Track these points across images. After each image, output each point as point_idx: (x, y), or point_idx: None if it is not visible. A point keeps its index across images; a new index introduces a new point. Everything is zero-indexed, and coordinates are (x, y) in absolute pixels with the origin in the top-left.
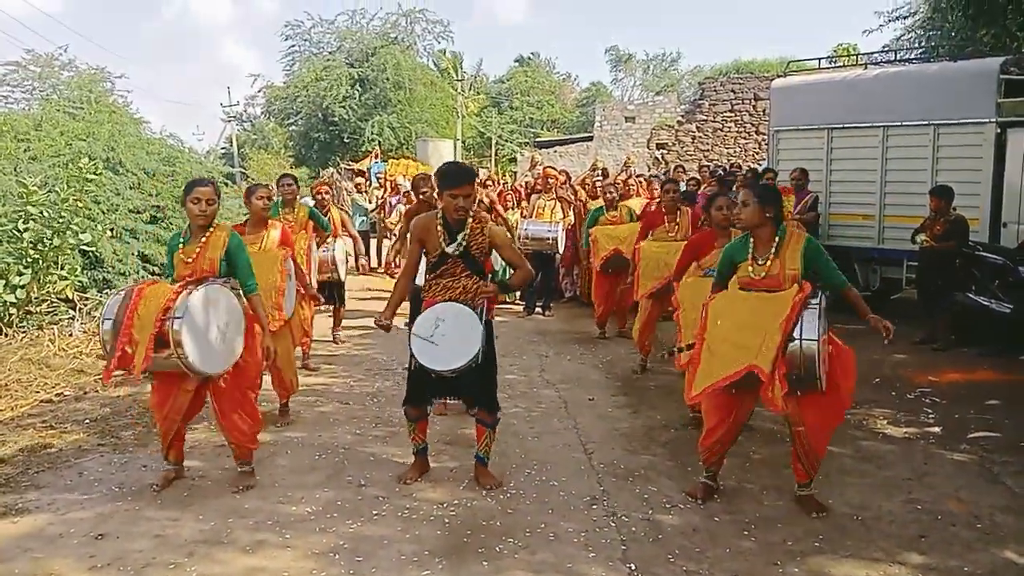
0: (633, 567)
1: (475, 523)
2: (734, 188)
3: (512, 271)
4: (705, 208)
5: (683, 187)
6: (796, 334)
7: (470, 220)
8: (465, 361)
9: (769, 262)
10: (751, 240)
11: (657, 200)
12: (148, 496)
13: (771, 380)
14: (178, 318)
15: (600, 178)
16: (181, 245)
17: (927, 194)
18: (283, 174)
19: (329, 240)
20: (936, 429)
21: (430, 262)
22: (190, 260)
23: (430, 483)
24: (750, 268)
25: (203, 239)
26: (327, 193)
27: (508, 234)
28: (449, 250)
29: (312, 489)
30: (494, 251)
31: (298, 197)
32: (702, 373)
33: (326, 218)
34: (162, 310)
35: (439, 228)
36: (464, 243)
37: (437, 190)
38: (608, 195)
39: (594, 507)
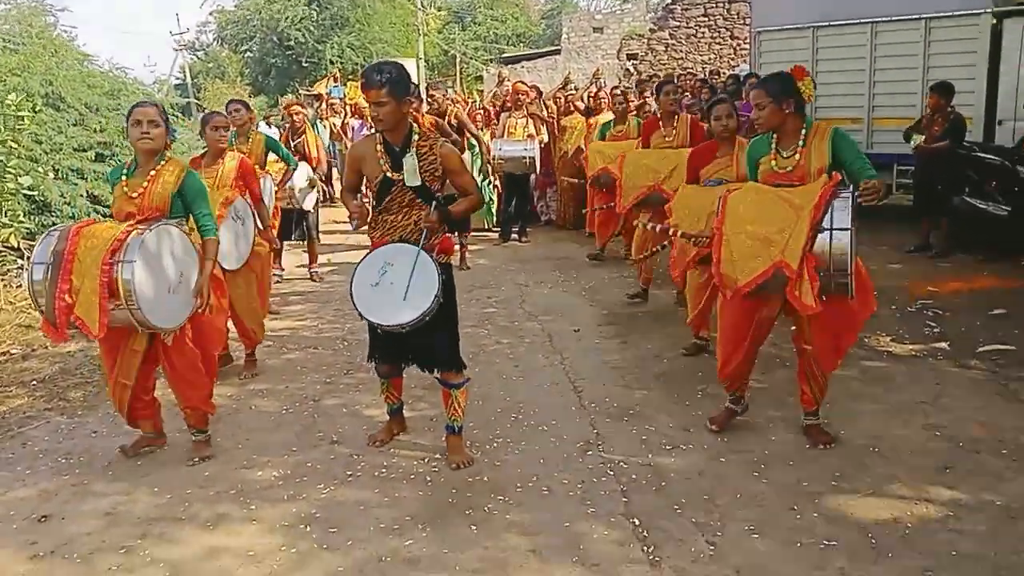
0: (637, 522)
1: (460, 480)
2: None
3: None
4: (703, 119)
5: None
6: (826, 223)
7: (416, 138)
8: (418, 314)
9: (797, 154)
10: (773, 135)
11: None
12: (98, 466)
13: (799, 276)
14: (129, 262)
15: (572, 92)
16: (124, 178)
17: (919, 94)
18: (231, 100)
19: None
20: (943, 345)
21: (372, 193)
22: (136, 195)
23: (409, 436)
24: (773, 162)
25: (151, 172)
26: (299, 114)
27: (461, 157)
28: (393, 176)
29: (278, 450)
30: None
31: (253, 126)
32: (726, 272)
33: (299, 140)
34: (109, 252)
35: (379, 150)
36: (415, 165)
37: None
38: (616, 107)
39: (589, 453)
